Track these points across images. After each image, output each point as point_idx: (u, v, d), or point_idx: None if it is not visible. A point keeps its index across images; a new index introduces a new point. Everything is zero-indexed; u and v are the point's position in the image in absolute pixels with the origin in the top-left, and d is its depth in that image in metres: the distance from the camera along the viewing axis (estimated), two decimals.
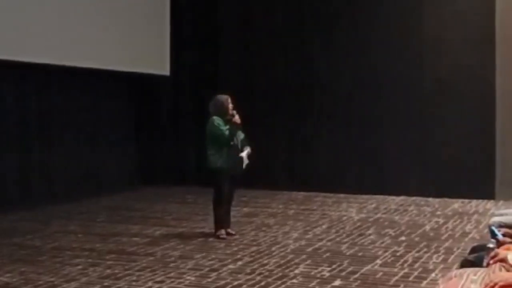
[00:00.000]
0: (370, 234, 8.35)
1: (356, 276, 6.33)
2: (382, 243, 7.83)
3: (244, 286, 5.99)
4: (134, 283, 6.10)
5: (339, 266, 6.70)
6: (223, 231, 8.10)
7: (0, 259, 6.99)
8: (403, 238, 8.12)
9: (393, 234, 8.38)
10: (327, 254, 7.23)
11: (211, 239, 8.02)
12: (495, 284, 3.08)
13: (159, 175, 13.13)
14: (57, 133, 11.31)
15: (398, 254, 7.25)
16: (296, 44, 12.52)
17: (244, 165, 8.17)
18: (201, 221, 9.23)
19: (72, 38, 10.66)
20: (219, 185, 8.14)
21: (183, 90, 13.30)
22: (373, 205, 10.70)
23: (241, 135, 8.25)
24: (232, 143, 8.10)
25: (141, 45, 12.15)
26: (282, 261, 6.90)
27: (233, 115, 8.13)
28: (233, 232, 8.26)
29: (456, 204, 10.80)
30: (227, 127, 8.06)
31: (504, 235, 4.17)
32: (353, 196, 11.51)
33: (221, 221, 8.14)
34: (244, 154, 8.19)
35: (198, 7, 13.27)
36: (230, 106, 8.17)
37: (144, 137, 13.27)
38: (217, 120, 8.10)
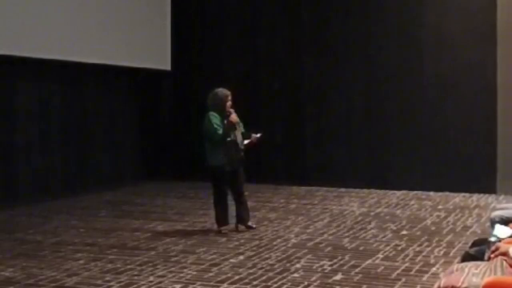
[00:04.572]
0: (371, 228, 8.35)
1: (357, 270, 6.34)
2: (384, 237, 7.84)
3: (246, 280, 5.99)
4: (135, 277, 6.11)
5: (340, 260, 6.71)
6: (225, 227, 8.08)
7: (2, 254, 7.00)
8: (404, 232, 8.13)
9: (394, 228, 8.38)
10: (329, 248, 7.24)
11: (212, 233, 8.03)
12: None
13: (160, 170, 13.12)
14: (59, 126, 11.29)
15: (399, 248, 7.26)
16: (296, 39, 12.49)
17: (241, 147, 8.03)
18: (203, 215, 9.23)
19: (74, 34, 10.64)
20: (216, 182, 8.11)
21: (184, 85, 13.28)
22: (374, 199, 10.70)
23: (240, 126, 8.09)
24: (229, 139, 7.93)
25: (142, 40, 12.14)
26: (284, 255, 6.90)
27: (230, 113, 7.94)
28: (254, 226, 8.24)
29: (458, 198, 10.79)
30: (222, 125, 7.90)
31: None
32: (354, 191, 11.52)
33: (221, 217, 8.11)
34: (246, 141, 8.09)
35: (200, 1, 13.25)
36: (229, 103, 7.99)
37: (145, 132, 13.26)
38: (213, 116, 7.91)
